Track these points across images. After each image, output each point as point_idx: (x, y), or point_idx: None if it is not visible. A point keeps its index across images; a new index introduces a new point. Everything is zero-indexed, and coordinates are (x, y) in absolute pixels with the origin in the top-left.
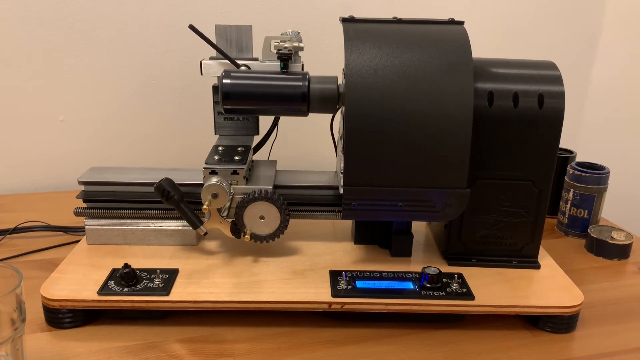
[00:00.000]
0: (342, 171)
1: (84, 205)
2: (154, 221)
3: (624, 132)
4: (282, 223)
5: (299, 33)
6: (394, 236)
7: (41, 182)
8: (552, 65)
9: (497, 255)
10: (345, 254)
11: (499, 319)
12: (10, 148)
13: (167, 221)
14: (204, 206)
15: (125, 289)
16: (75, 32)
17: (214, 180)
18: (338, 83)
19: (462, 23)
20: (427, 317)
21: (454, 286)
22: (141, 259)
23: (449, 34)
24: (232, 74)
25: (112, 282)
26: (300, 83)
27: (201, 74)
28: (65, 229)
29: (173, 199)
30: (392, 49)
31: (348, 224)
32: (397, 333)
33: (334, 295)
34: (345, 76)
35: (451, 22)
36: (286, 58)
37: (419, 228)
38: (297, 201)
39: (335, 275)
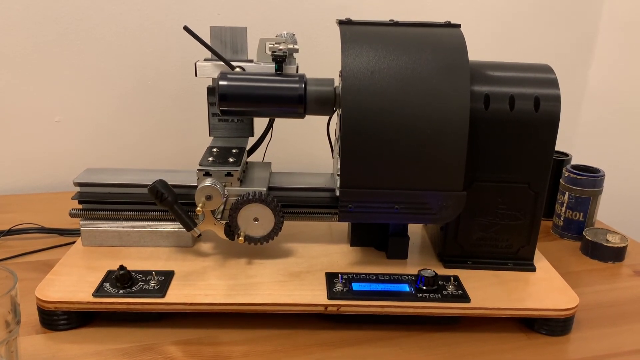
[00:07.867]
0: (339, 173)
1: (80, 206)
2: (150, 223)
3: (620, 135)
4: (276, 225)
5: (294, 35)
6: (390, 238)
7: (36, 183)
8: (548, 69)
9: (493, 258)
10: (341, 256)
11: (495, 322)
12: (5, 148)
13: (162, 223)
14: (198, 208)
15: (121, 291)
16: (71, 32)
17: (207, 182)
18: (334, 85)
19: (458, 26)
20: (423, 319)
21: (450, 289)
22: (137, 260)
23: (446, 37)
24: (229, 76)
25: (108, 284)
26: (297, 85)
27: (196, 75)
28: (61, 231)
29: (167, 201)
30: (389, 52)
31: (344, 226)
32: (393, 335)
33: (330, 297)
34: (342, 78)
35: (448, 25)
36: (281, 60)
37: (415, 230)
38: (293, 203)
39: (331, 278)
